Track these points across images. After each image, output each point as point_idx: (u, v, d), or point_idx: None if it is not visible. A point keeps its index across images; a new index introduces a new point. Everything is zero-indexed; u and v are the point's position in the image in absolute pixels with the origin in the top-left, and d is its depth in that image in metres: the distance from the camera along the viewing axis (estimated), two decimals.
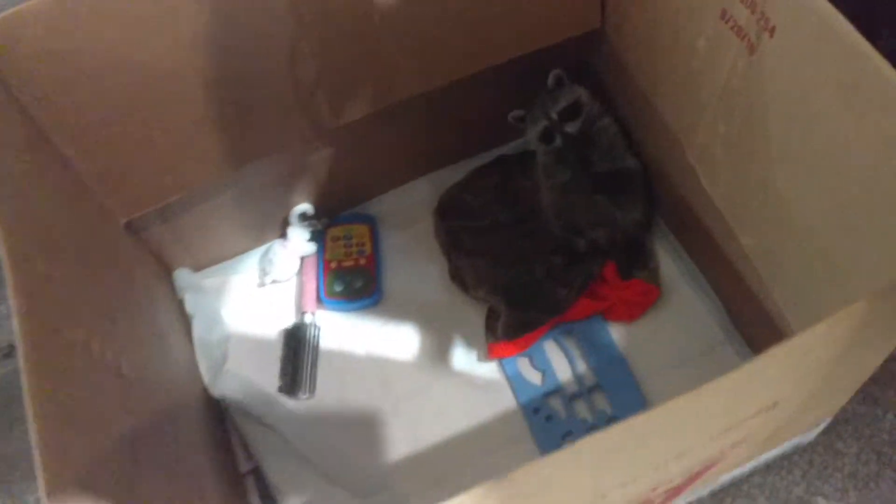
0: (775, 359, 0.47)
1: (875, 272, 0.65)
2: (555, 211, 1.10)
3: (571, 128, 1.04)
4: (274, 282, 1.12)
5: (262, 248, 1.15)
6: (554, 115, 1.04)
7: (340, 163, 1.08)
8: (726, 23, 0.75)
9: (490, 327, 1.05)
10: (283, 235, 1.13)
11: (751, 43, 0.72)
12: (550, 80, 1.05)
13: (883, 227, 0.63)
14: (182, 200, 0.98)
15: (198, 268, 1.13)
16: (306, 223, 1.12)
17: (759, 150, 0.75)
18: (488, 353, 1.03)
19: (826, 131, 0.66)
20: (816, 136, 0.67)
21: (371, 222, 1.15)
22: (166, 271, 1.08)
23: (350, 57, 0.90)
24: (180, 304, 1.06)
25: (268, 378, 1.04)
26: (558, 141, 1.05)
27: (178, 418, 0.82)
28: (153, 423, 0.73)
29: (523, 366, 1.03)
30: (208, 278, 1.13)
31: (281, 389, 1.03)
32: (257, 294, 1.12)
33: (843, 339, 0.52)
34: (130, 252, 0.90)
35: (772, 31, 0.68)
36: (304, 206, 1.12)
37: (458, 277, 1.08)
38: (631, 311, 1.04)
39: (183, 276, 1.08)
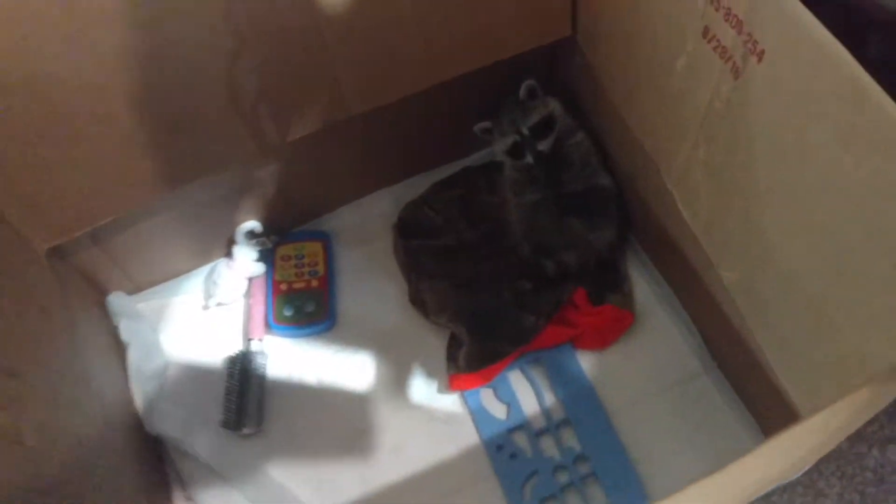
0: (769, 453, 0.41)
1: (870, 329, 0.58)
2: (523, 230, 1.02)
3: (544, 146, 0.97)
4: (219, 305, 1.04)
5: (208, 268, 1.06)
6: (525, 131, 0.96)
7: (290, 178, 1.00)
8: (709, 42, 0.67)
9: (452, 357, 0.97)
10: (229, 254, 1.04)
11: (736, 66, 0.65)
12: (522, 92, 0.97)
13: (881, 280, 0.56)
14: (115, 222, 0.89)
15: (137, 290, 1.04)
16: (254, 241, 1.04)
17: (744, 181, 0.68)
18: (449, 385, 0.96)
19: (819, 171, 0.59)
20: (808, 175, 0.60)
21: (325, 239, 1.07)
22: (101, 295, 1.00)
23: (295, 72, 0.82)
24: (115, 331, 0.98)
25: (210, 411, 0.96)
26: (529, 158, 0.98)
27: (98, 468, 0.74)
28: (65, 484, 0.65)
29: (487, 398, 0.96)
30: (147, 301, 1.04)
31: (224, 424, 0.95)
32: (201, 318, 1.04)
33: (843, 422, 0.46)
34: (51, 282, 0.81)
35: (760, 55, 0.61)
36: (252, 224, 1.03)
37: (418, 301, 1.01)
38: (602, 339, 0.97)
39: (117, 301, 0.99)
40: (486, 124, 1.01)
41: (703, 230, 0.78)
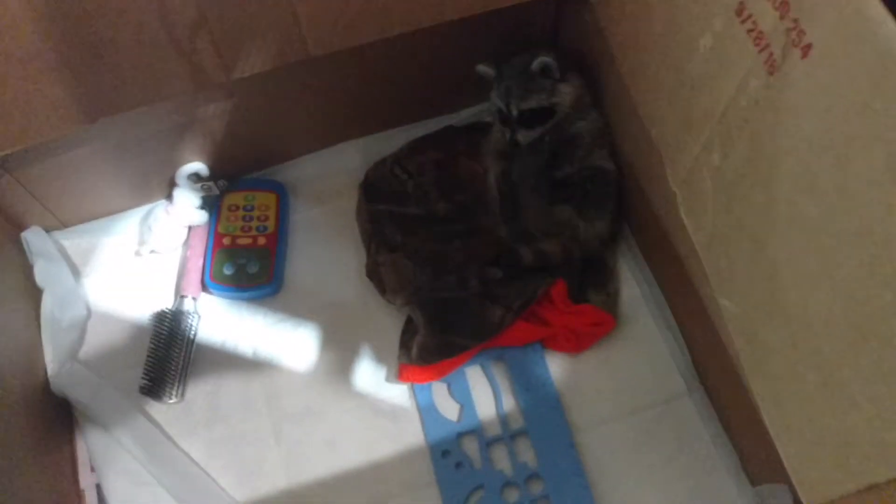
0: None
1: (894, 415, 0.46)
2: (501, 208, 0.89)
3: (525, 137, 0.84)
4: (152, 252, 0.92)
5: (146, 209, 0.94)
6: (514, 111, 0.83)
7: (241, 118, 0.87)
8: (743, 22, 0.53)
9: (405, 343, 0.86)
10: (170, 197, 0.92)
11: (773, 58, 0.51)
12: (535, 66, 0.83)
13: None
14: (30, 151, 0.77)
15: (63, 226, 0.92)
16: (198, 186, 0.91)
17: (761, 203, 0.55)
18: (398, 375, 0.84)
19: (859, 212, 0.46)
20: (844, 215, 0.47)
21: (280, 191, 0.94)
22: (17, 230, 0.88)
23: (241, 1, 0.67)
24: (30, 271, 0.86)
25: (128, 375, 0.85)
26: (507, 138, 0.85)
27: None
28: None
29: (439, 395, 0.85)
30: (72, 239, 0.92)
31: (143, 390, 0.84)
32: (132, 265, 0.92)
33: None
34: None
35: (805, 49, 0.47)
36: (196, 166, 0.91)
37: (375, 275, 0.89)
38: (577, 342, 0.85)
39: (34, 237, 0.88)
40: (488, 69, 0.87)
41: (706, 247, 0.65)
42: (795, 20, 0.48)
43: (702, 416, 0.82)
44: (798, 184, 0.51)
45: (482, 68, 0.88)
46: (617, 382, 0.84)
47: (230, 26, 0.70)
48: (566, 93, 0.84)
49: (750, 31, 0.53)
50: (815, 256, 0.51)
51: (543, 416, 0.83)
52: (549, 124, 0.84)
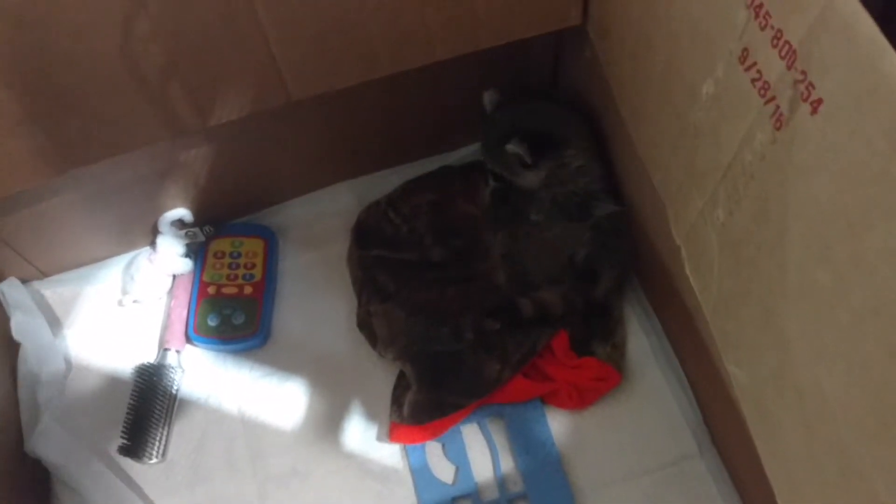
0: None
1: None
2: (502, 251, 0.85)
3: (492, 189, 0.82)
4: (135, 302, 0.88)
5: (129, 256, 0.90)
6: (490, 165, 0.81)
7: (227, 161, 0.84)
8: (746, 71, 0.48)
9: (396, 400, 0.81)
10: (153, 244, 0.88)
11: (780, 112, 0.46)
12: (509, 148, 0.78)
13: None
14: (3, 202, 0.74)
15: (43, 275, 0.89)
16: (183, 232, 0.87)
17: (769, 269, 0.50)
18: (389, 434, 0.79)
19: (877, 282, 0.40)
20: (860, 285, 0.42)
21: (268, 236, 0.90)
22: None
23: (214, 45, 0.64)
24: (7, 324, 0.83)
25: (108, 432, 0.81)
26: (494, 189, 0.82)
27: None
28: None
29: (433, 455, 0.80)
30: (53, 288, 0.89)
31: (122, 450, 0.80)
32: (114, 315, 0.88)
33: None
34: None
35: (815, 105, 0.42)
36: (180, 212, 0.87)
37: (366, 326, 0.84)
38: (580, 399, 0.80)
39: (10, 290, 0.84)
40: (494, 96, 0.83)
41: (712, 309, 0.59)
42: (804, 72, 0.43)
43: (714, 479, 0.76)
44: (809, 250, 0.46)
45: (486, 97, 0.83)
46: (623, 442, 0.79)
47: (203, 71, 0.66)
48: (530, 179, 0.81)
49: (754, 80, 0.47)
50: (830, 332, 0.45)
51: (544, 478, 0.77)
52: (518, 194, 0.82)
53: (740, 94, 0.49)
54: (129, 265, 0.88)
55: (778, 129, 0.46)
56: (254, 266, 0.88)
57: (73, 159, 0.69)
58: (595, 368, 0.80)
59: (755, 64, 0.47)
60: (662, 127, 0.62)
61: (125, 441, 0.80)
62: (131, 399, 0.82)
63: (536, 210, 0.81)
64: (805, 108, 0.43)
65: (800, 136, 0.44)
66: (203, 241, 0.88)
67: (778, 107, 0.46)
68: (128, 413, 0.81)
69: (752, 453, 0.63)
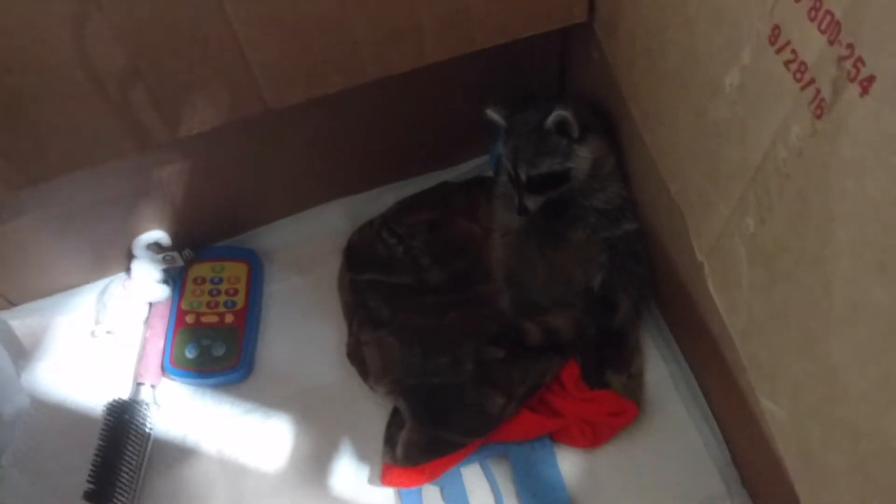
0: None
1: None
2: (505, 275, 0.77)
3: (533, 202, 0.71)
4: (109, 333, 0.81)
5: (104, 283, 0.84)
6: (523, 176, 0.71)
7: (206, 178, 0.78)
8: (778, 52, 0.41)
9: (390, 439, 0.73)
10: (128, 270, 0.81)
11: (820, 97, 0.38)
12: (549, 122, 0.70)
13: None
14: None
15: (10, 305, 0.83)
16: (161, 256, 0.80)
17: (811, 285, 0.42)
18: (382, 477, 0.72)
19: None
20: None
21: (252, 260, 0.84)
22: None
23: (180, 48, 0.58)
24: None
25: (74, 476, 0.73)
26: (515, 204, 0.73)
27: None
28: None
29: (430, 500, 0.73)
30: (22, 318, 0.83)
31: (88, 496, 0.72)
32: (87, 347, 0.82)
33: None
34: None
35: (866, 84, 0.35)
36: (156, 234, 0.80)
37: (357, 357, 0.77)
38: (594, 436, 0.73)
39: None
40: (499, 116, 0.75)
41: (742, 334, 0.52)
42: (850, 46, 0.35)
43: None
44: (861, 261, 0.38)
45: (492, 113, 0.76)
46: (642, 484, 0.71)
47: (168, 77, 0.60)
48: (583, 157, 0.71)
49: (788, 62, 0.40)
50: (891, 359, 0.37)
51: None
52: (562, 191, 0.72)
53: (771, 81, 0.42)
54: (102, 292, 0.82)
55: (818, 117, 0.39)
56: (236, 293, 0.81)
57: (29, 175, 0.63)
58: (610, 402, 0.73)
59: (788, 43, 0.40)
60: (680, 128, 0.55)
61: (91, 486, 0.73)
62: (100, 439, 0.75)
63: (583, 224, 0.74)
64: (853, 89, 0.36)
65: (846, 124, 0.37)
66: (182, 265, 0.82)
67: (818, 91, 0.39)
68: (96, 454, 0.74)
69: (788, 497, 0.55)
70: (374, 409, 0.76)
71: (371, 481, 0.73)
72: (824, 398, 0.43)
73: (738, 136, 0.47)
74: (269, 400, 0.78)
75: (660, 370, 0.76)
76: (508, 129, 0.74)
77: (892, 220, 0.35)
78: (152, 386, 0.78)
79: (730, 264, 0.52)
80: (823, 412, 0.44)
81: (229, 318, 0.80)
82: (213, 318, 0.80)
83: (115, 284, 0.81)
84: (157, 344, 0.80)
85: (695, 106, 0.52)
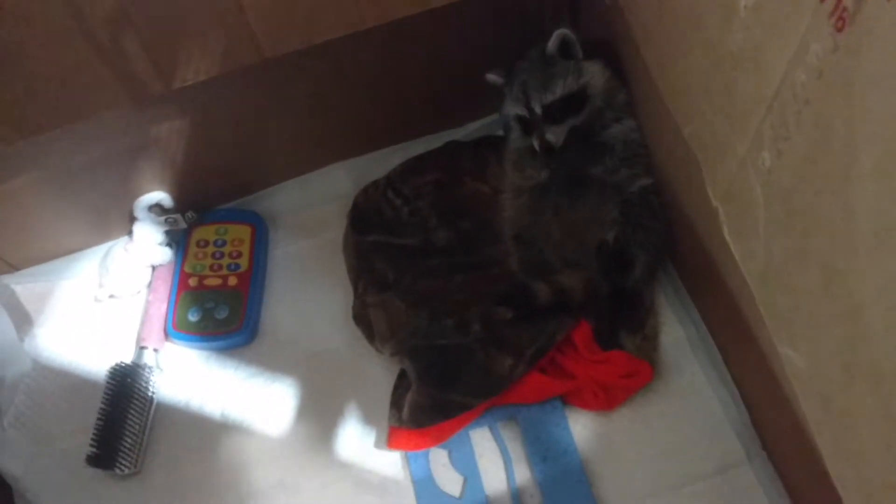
0: None
1: None
2: (514, 232, 0.75)
3: (555, 135, 0.69)
4: (112, 297, 0.80)
5: (106, 247, 0.82)
6: (537, 108, 0.68)
7: (207, 136, 0.76)
8: None
9: (396, 401, 0.71)
10: (130, 233, 0.80)
11: (842, 6, 0.35)
12: (552, 44, 0.69)
13: None
14: None
15: (13, 269, 0.81)
16: (163, 219, 0.79)
17: (833, 215, 0.39)
18: (388, 441, 0.70)
19: None
20: None
21: (256, 222, 0.82)
22: None
23: None
24: None
25: (77, 439, 0.73)
26: (534, 143, 0.70)
27: None
28: None
29: (438, 464, 0.70)
30: (24, 283, 0.82)
31: (91, 459, 0.71)
32: (89, 311, 0.81)
33: None
34: None
35: None
36: (157, 195, 0.79)
37: (363, 319, 0.75)
38: (607, 398, 0.70)
39: None
40: (497, 78, 0.73)
41: (759, 279, 0.49)
42: None
43: (765, 489, 0.66)
44: (888, 187, 0.35)
45: (492, 77, 0.74)
46: (657, 448, 0.69)
47: (160, 23, 0.58)
48: (595, 71, 0.69)
49: None
50: None
51: (565, 490, 0.68)
52: (584, 114, 0.69)
53: None
54: (105, 256, 0.81)
55: (840, 30, 0.36)
56: (240, 255, 0.79)
57: (19, 128, 0.61)
58: (623, 363, 0.70)
59: None
60: (693, 65, 0.52)
61: (94, 450, 0.72)
62: (103, 403, 0.74)
63: (605, 160, 0.71)
64: None
65: (872, 34, 0.34)
66: (185, 228, 0.80)
67: (841, 2, 0.35)
68: (99, 418, 0.73)
69: (809, 457, 0.52)
70: (380, 373, 0.74)
71: (377, 445, 0.71)
72: (845, 339, 0.40)
73: (753, 63, 0.44)
74: (274, 363, 0.76)
75: (676, 332, 0.73)
76: (508, 79, 0.72)
77: None
78: (155, 350, 0.77)
79: (745, 206, 0.49)
80: (844, 354, 0.41)
81: (233, 281, 0.78)
82: (217, 281, 0.78)
83: (118, 248, 0.79)
84: (160, 307, 0.78)
85: (708, 37, 0.49)
